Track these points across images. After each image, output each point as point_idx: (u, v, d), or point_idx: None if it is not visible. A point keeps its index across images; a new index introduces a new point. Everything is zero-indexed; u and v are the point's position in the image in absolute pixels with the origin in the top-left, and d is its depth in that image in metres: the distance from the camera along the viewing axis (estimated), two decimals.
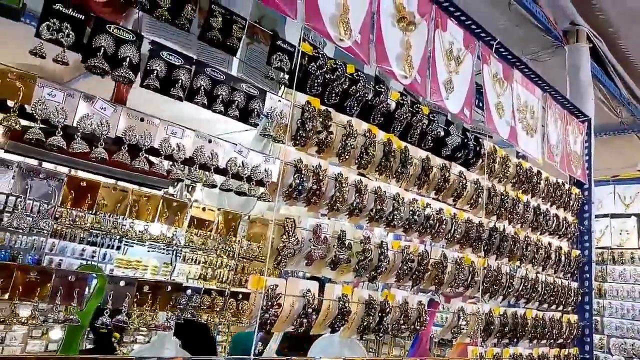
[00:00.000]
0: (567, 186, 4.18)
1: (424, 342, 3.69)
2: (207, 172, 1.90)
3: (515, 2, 4.80)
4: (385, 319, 2.53)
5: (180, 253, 7.09)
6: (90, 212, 1.53)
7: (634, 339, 8.21)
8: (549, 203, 3.97)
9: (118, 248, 8.37)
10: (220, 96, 1.97)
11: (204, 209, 1.94)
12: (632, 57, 5.56)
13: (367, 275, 2.52)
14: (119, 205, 1.70)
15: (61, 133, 1.59)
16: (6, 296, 1.44)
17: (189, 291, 1.81)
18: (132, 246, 8.30)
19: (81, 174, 1.74)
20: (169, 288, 1.77)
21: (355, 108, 2.53)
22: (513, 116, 3.57)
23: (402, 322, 2.63)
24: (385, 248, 2.56)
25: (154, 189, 2.03)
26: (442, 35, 3.08)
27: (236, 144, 2.04)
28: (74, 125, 1.62)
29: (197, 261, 7.03)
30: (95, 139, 1.66)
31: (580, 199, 4.35)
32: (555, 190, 3.98)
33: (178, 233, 1.69)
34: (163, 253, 8.71)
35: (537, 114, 3.90)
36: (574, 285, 4.14)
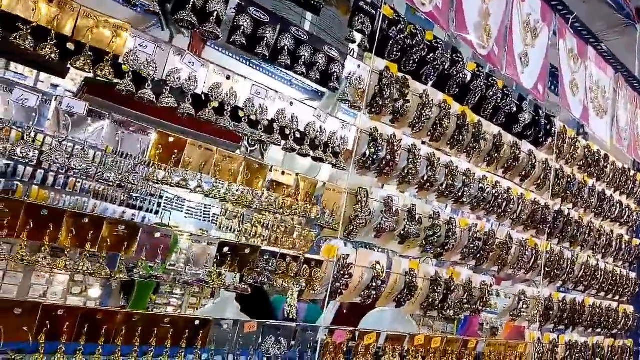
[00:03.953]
0: (632, 172, 4.00)
1: (475, 322, 3.63)
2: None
3: None
4: (450, 296, 2.47)
5: (222, 218, 7.11)
6: (176, 167, 1.50)
7: None
8: (613, 189, 3.80)
9: (156, 212, 8.46)
10: (303, 57, 1.89)
11: (283, 173, 1.89)
12: None
13: (433, 251, 2.45)
14: (203, 163, 1.67)
15: (151, 86, 1.55)
16: (96, 248, 1.43)
17: (266, 255, 1.78)
18: (170, 211, 8.38)
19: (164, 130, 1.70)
20: (248, 250, 1.74)
21: (432, 77, 2.42)
22: (586, 95, 3.40)
23: (465, 301, 2.56)
24: (454, 225, 2.48)
25: (231, 149, 1.99)
26: (520, 5, 2.91)
27: (315, 108, 1.97)
28: (164, 78, 1.58)
29: (236, 229, 7.02)
30: (182, 94, 1.61)
31: None
32: (620, 176, 3.81)
33: (257, 195, 1.66)
34: (200, 220, 8.79)
35: (609, 94, 3.71)
36: (633, 275, 3.99)
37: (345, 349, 2.03)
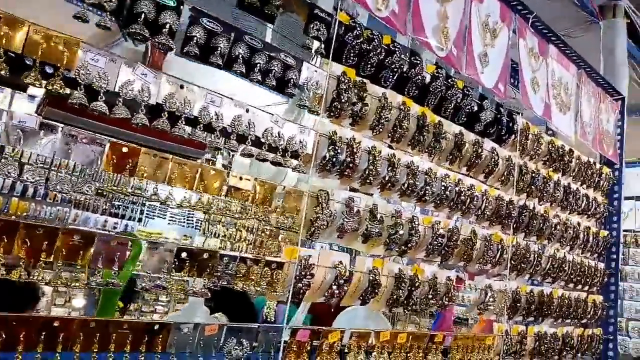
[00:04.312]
0: (597, 166, 4.10)
1: (448, 318, 3.70)
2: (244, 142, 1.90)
3: None
4: (414, 292, 2.53)
5: (206, 224, 7.13)
6: (132, 176, 1.54)
7: None
8: (579, 182, 3.90)
9: (139, 220, 8.45)
10: (258, 65, 1.94)
11: (240, 178, 1.94)
12: None
13: (397, 249, 2.51)
14: (158, 172, 1.71)
15: (104, 98, 1.59)
16: (51, 258, 1.46)
17: (225, 259, 1.83)
18: (153, 218, 8.39)
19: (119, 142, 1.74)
20: (206, 255, 1.78)
21: (390, 80, 2.48)
22: (547, 92, 3.49)
23: (430, 296, 2.63)
24: (416, 223, 2.54)
25: (190, 159, 2.04)
26: (478, 7, 2.99)
27: (272, 114, 2.02)
28: (116, 90, 1.62)
29: (220, 234, 7.04)
30: (136, 106, 1.65)
31: (611, 179, 4.27)
32: (586, 170, 3.91)
33: (214, 201, 1.70)
34: (184, 226, 8.80)
35: (571, 90, 3.81)
36: (601, 265, 4.10)
37: (309, 348, 2.08)
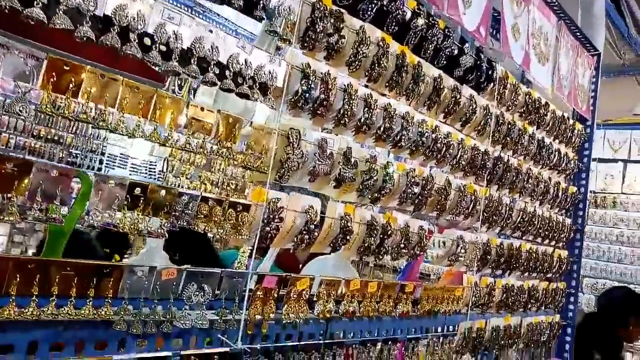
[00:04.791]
0: (571, 121, 4.05)
1: (415, 270, 3.66)
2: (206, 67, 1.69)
3: None
4: (386, 241, 2.42)
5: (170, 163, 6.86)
6: (74, 99, 1.32)
7: (605, 279, 8.46)
8: (552, 137, 3.85)
9: (99, 170, 8.12)
10: None
11: (202, 109, 1.74)
12: None
13: (370, 196, 2.38)
14: (106, 96, 1.49)
15: (40, 4, 1.35)
16: None
17: (185, 197, 1.65)
18: (114, 168, 8.07)
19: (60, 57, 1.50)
20: (164, 192, 1.60)
21: (369, 12, 2.28)
22: (528, 41, 3.36)
23: (402, 245, 2.53)
24: (392, 169, 2.41)
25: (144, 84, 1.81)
26: None
27: (239, 38, 1.81)
28: None
29: (180, 171, 6.79)
30: (81, 16, 1.42)
31: (582, 136, 4.24)
32: (559, 124, 3.85)
33: (173, 133, 1.51)
34: (146, 177, 8.51)
35: (551, 41, 3.69)
36: (568, 221, 4.11)
37: (276, 296, 1.95)
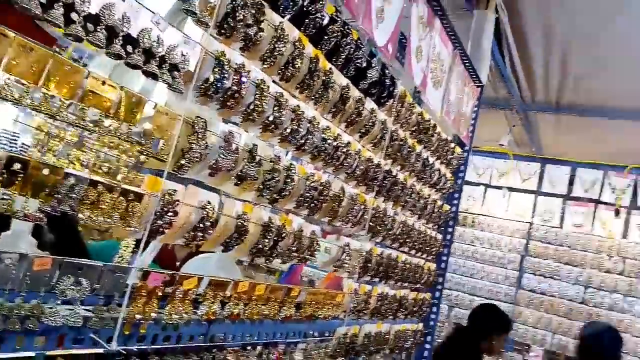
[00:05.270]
0: (452, 144, 4.36)
1: (298, 273, 3.67)
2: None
3: None
4: (279, 243, 2.38)
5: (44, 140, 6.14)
6: None
7: (459, 291, 9.28)
8: (435, 157, 4.10)
9: None
10: None
11: (103, 83, 1.55)
12: (527, 37, 5.90)
13: (270, 197, 2.33)
14: None
15: None
16: None
17: (71, 179, 1.45)
18: None
19: None
20: (47, 171, 1.39)
21: (289, 10, 2.23)
22: (427, 64, 3.54)
23: (294, 249, 2.51)
24: (294, 172, 2.38)
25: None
26: None
27: (154, 13, 1.65)
28: None
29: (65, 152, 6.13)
30: None
31: (460, 159, 4.58)
32: (443, 146, 4.12)
33: (68, 105, 1.30)
34: (4, 150, 7.56)
35: (445, 68, 3.94)
36: (439, 237, 4.41)
37: (160, 295, 1.81)
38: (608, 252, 8.56)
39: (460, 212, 9.35)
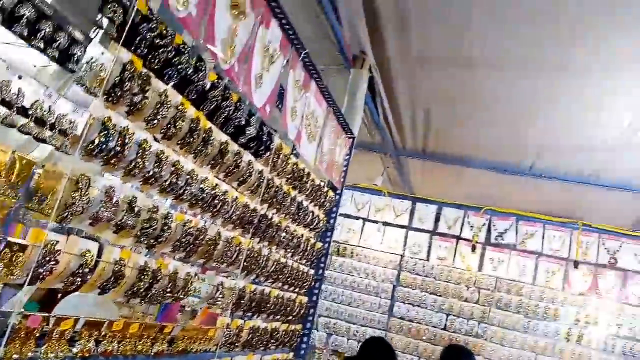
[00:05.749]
0: (325, 189, 4.86)
1: (173, 311, 3.87)
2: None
3: (323, 16, 5.31)
4: (154, 285, 2.62)
5: None
6: None
7: (336, 319, 9.81)
8: (310, 200, 4.56)
9: None
10: (44, 31, 1.80)
11: None
12: (396, 93, 6.71)
13: (147, 242, 2.57)
14: None
15: None
16: None
17: None
18: None
19: None
20: None
21: (174, 79, 2.54)
22: (301, 121, 4.01)
23: (169, 289, 2.75)
24: (170, 219, 2.65)
25: None
26: (264, 32, 3.28)
27: (47, 87, 1.89)
28: None
29: None
30: None
31: (332, 201, 5.10)
32: (317, 191, 4.60)
33: None
34: None
35: (320, 123, 4.44)
36: (311, 272, 4.85)
37: (37, 335, 1.99)
38: (466, 283, 9.58)
39: (340, 243, 9.96)
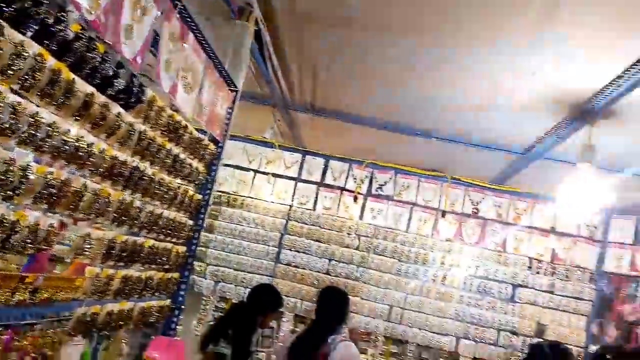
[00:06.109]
0: (206, 142, 4.94)
1: (42, 261, 3.84)
2: None
3: None
4: (12, 237, 2.63)
5: None
6: None
7: (224, 267, 10.06)
8: (188, 153, 4.63)
9: None
10: None
11: None
12: (284, 47, 6.80)
13: (4, 194, 2.55)
14: None
15: None
16: None
17: None
18: None
19: None
20: None
21: (32, 29, 2.48)
22: (177, 74, 4.02)
23: (29, 241, 2.77)
24: (30, 171, 2.64)
25: None
26: None
27: None
28: None
29: None
30: None
31: (214, 154, 5.20)
32: (195, 144, 4.67)
33: None
34: None
35: (198, 76, 4.47)
36: (190, 222, 4.98)
37: None
38: (348, 230, 10.23)
39: (230, 194, 10.08)
